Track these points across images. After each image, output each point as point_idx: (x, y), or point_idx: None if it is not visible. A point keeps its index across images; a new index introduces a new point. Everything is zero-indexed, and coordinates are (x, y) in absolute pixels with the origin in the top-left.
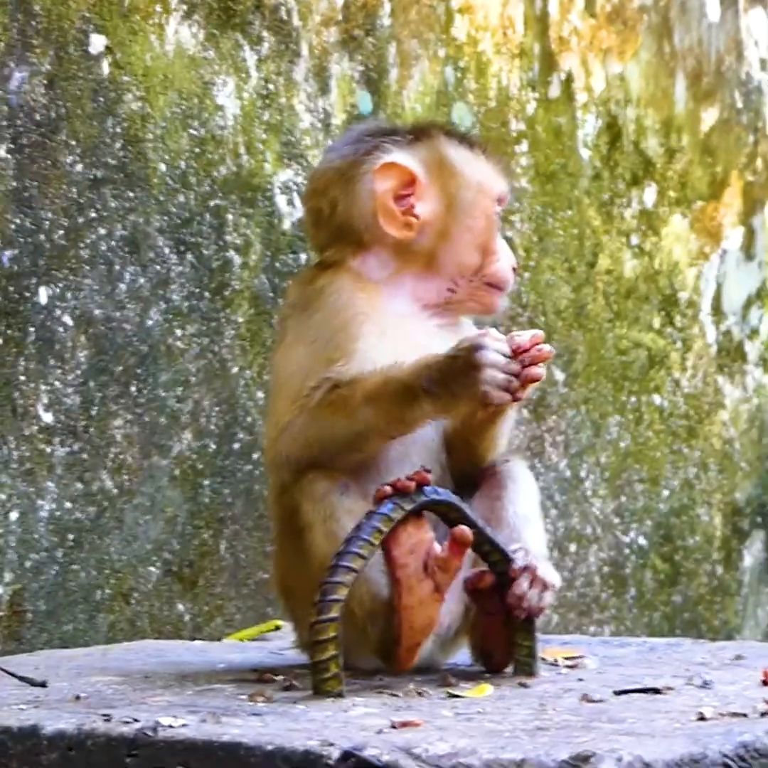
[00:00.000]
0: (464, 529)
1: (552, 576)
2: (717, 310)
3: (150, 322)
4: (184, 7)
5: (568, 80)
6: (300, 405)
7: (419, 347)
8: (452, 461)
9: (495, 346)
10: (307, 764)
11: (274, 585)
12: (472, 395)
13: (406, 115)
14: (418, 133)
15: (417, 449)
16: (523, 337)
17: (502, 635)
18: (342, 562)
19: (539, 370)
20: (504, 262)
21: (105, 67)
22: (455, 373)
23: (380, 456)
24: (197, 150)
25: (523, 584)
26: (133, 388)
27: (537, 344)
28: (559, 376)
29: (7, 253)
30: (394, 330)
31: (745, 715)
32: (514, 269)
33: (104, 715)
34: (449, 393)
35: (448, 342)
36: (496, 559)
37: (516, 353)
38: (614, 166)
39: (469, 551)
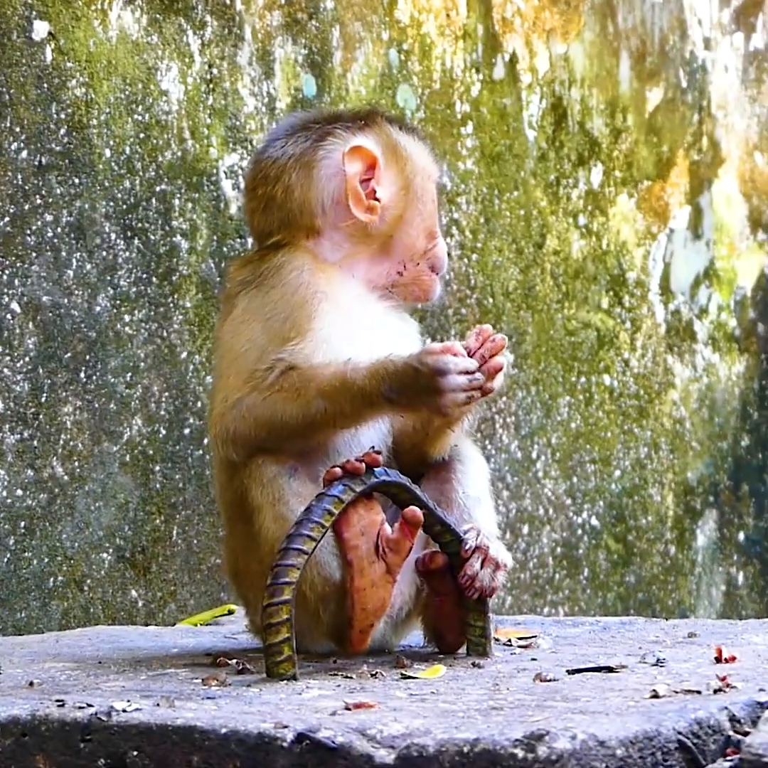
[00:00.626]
0: (415, 510)
1: (504, 555)
2: (665, 290)
3: (98, 308)
4: None
5: (513, 61)
6: (252, 384)
7: (373, 329)
8: (400, 454)
9: (459, 368)
10: (262, 747)
11: (225, 569)
12: (432, 410)
13: (351, 99)
14: (366, 119)
15: (366, 431)
16: (469, 339)
17: (454, 616)
18: (293, 544)
19: (500, 358)
20: (442, 245)
21: (48, 54)
22: (417, 389)
23: (333, 441)
24: (142, 135)
25: (474, 564)
26: (82, 375)
27: (487, 339)
28: (509, 357)
29: None
30: (349, 311)
31: (698, 692)
32: (448, 254)
33: (58, 700)
34: (409, 403)
35: (399, 324)
36: (447, 539)
37: (470, 354)
38: (560, 146)
39: (420, 532)
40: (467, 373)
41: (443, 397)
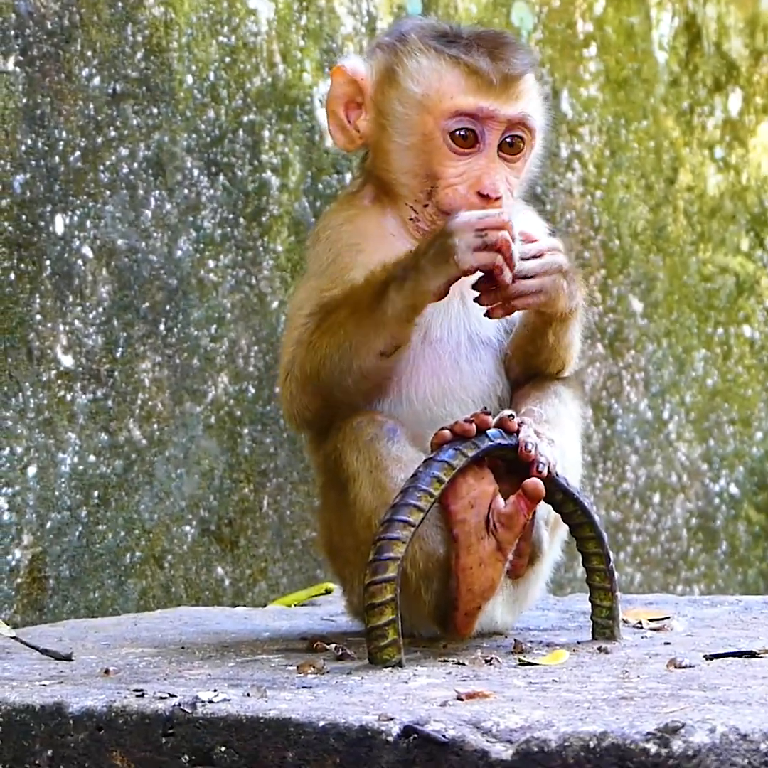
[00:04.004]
0: (537, 482)
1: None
2: None
3: (179, 253)
4: None
5: None
6: (296, 341)
7: None
8: (510, 376)
9: (469, 213)
10: (364, 741)
11: (319, 544)
12: (441, 267)
13: (460, 17)
14: (398, 38)
15: (462, 384)
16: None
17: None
18: (398, 515)
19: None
20: (459, 187)
21: None
22: (428, 248)
23: (422, 393)
24: (228, 59)
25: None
26: (161, 327)
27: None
28: (637, 306)
29: (19, 177)
30: (391, 256)
31: None
32: (485, 196)
33: (137, 690)
34: (417, 272)
35: None
36: (570, 509)
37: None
38: (694, 70)
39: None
40: (480, 218)
41: (453, 237)
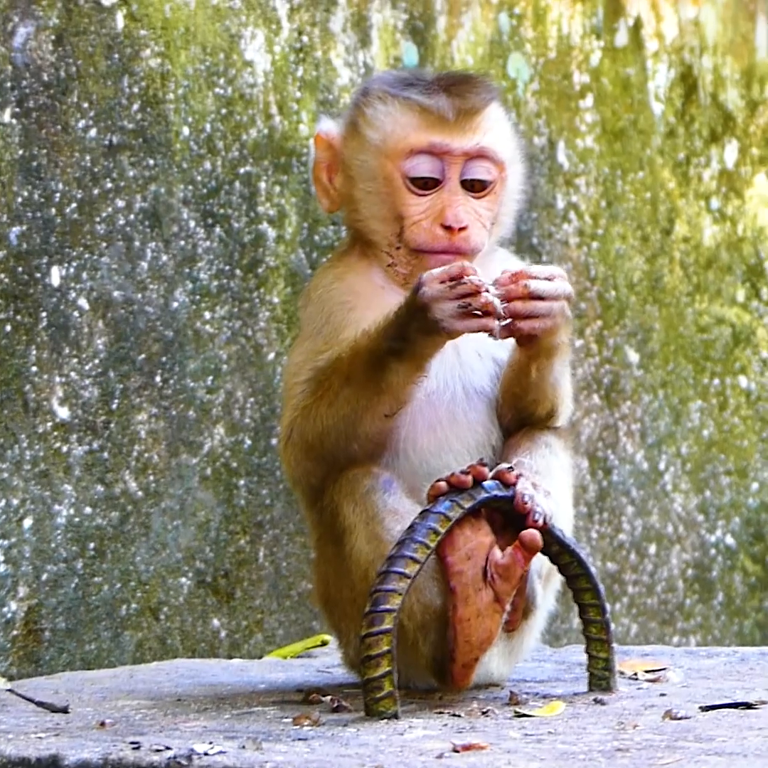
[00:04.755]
0: (534, 533)
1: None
2: None
3: (175, 305)
4: None
5: (637, 26)
6: (293, 406)
7: None
8: (503, 424)
9: (434, 277)
10: None
11: (315, 597)
12: (432, 336)
13: (456, 69)
14: (361, 91)
15: (458, 435)
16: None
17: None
18: (394, 567)
19: (474, 278)
20: (423, 223)
21: (119, 21)
22: (409, 320)
23: (419, 447)
24: (224, 111)
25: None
26: (157, 379)
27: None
28: (634, 357)
29: (15, 229)
30: (380, 314)
31: None
32: (447, 227)
33: (133, 742)
34: (410, 343)
35: None
36: (566, 561)
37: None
38: (690, 121)
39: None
40: (450, 280)
41: (430, 311)
